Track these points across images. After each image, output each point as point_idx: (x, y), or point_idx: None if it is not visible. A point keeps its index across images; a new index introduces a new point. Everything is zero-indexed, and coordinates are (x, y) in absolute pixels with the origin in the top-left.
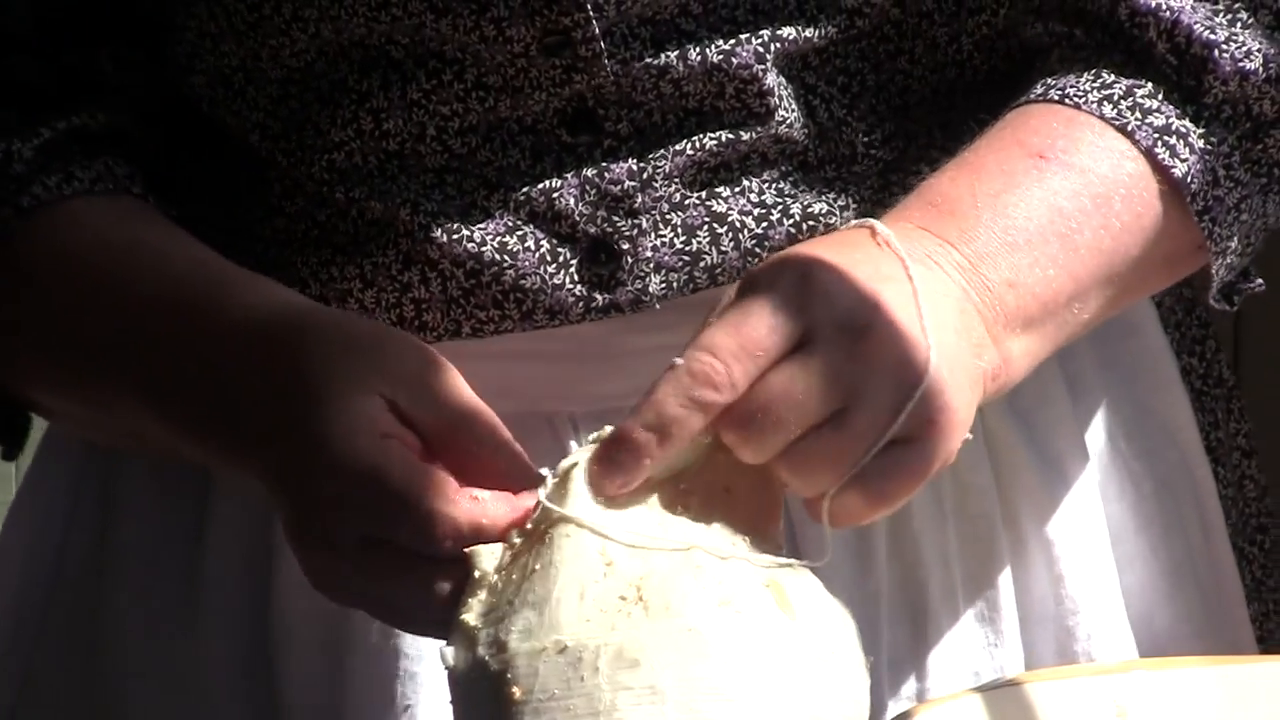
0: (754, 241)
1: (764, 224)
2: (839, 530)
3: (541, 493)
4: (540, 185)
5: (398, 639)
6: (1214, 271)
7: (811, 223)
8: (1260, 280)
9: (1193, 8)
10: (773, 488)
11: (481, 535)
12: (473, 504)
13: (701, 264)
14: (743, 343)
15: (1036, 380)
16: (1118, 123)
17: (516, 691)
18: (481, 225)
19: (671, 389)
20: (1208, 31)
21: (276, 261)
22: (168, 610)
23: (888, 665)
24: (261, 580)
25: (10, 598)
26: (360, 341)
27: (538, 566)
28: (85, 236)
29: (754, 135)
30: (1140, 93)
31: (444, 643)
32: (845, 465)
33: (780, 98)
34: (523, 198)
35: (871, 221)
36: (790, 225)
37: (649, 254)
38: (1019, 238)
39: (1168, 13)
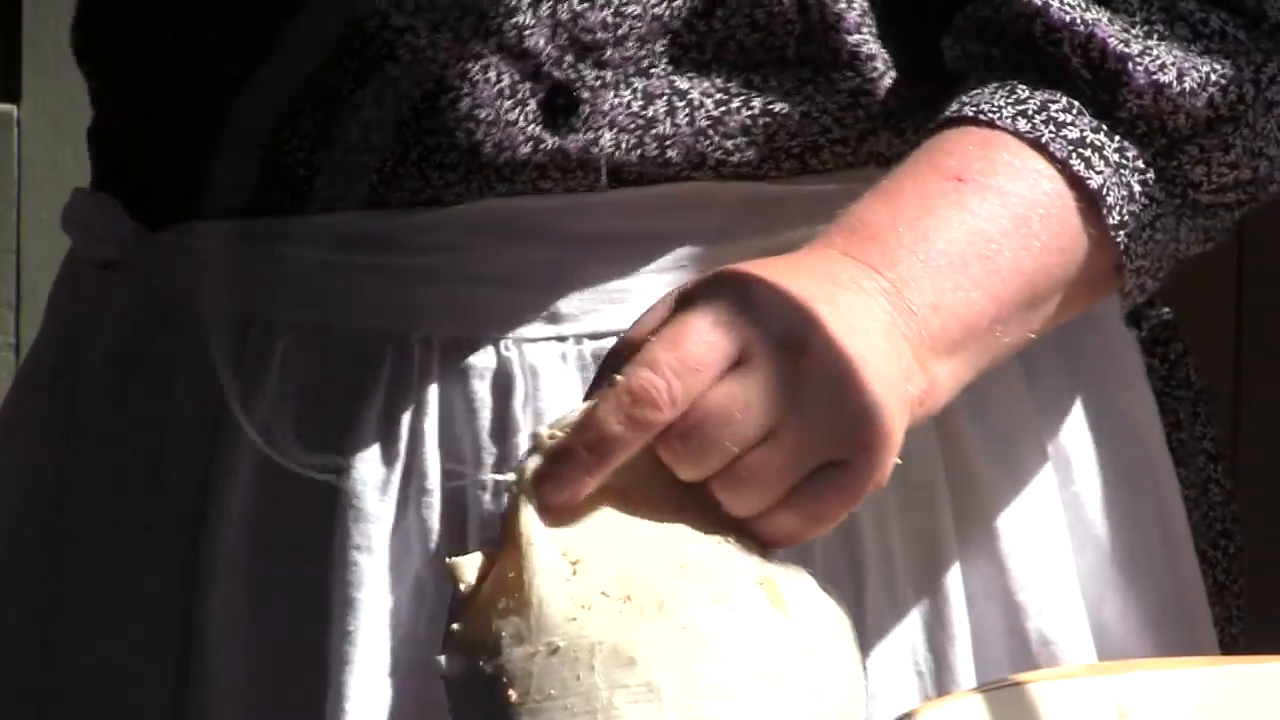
0: (709, 122)
1: (722, 108)
2: None
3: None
4: (514, 20)
5: (342, 570)
6: (1126, 290)
7: (767, 119)
8: (1168, 309)
9: (1109, 20)
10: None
11: None
12: None
13: (654, 131)
14: (682, 358)
15: None
16: (1031, 136)
17: (513, 694)
18: (447, 48)
19: (612, 407)
20: (1121, 45)
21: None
22: (124, 554)
23: None
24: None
25: None
26: None
27: (512, 574)
28: None
29: (729, 13)
30: (1054, 106)
31: (437, 653)
32: (777, 486)
33: None
34: (494, 27)
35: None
36: (748, 116)
37: (606, 109)
38: (940, 261)
39: (1082, 26)
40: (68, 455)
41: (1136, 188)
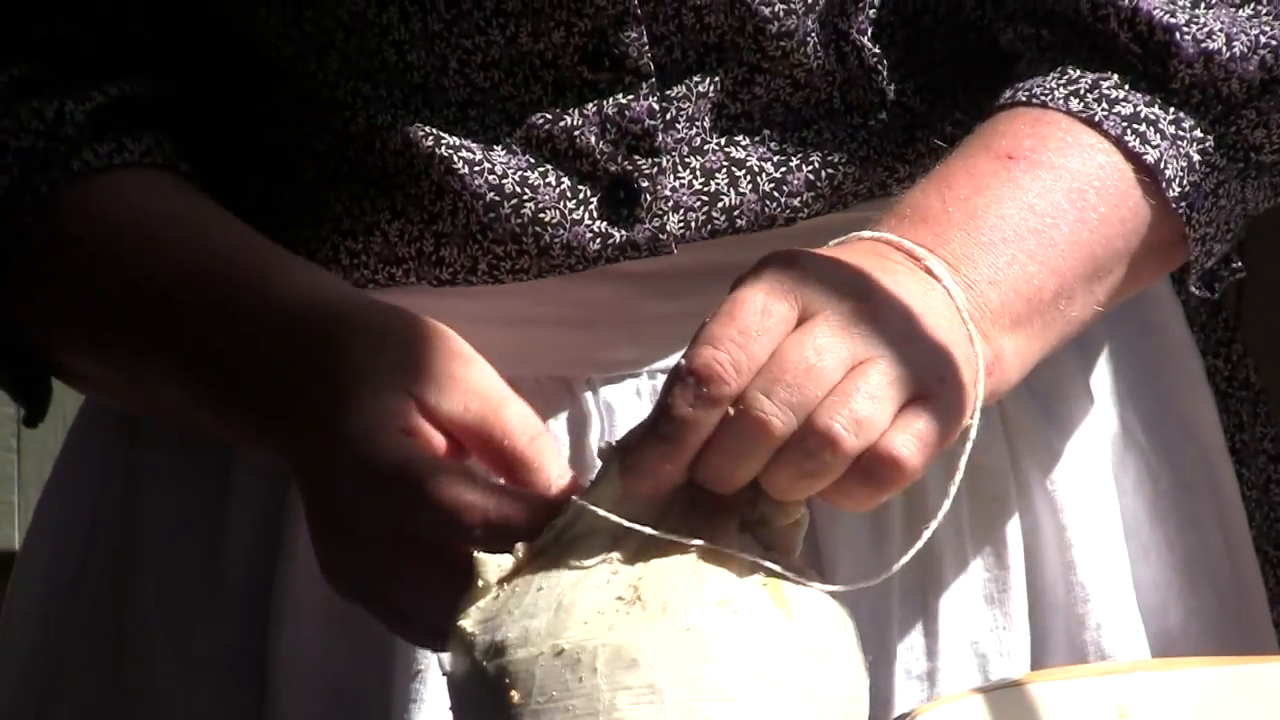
0: (772, 185)
1: (783, 169)
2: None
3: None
4: (561, 123)
5: None
6: (1193, 257)
7: (830, 170)
8: (1240, 264)
9: None
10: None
11: (509, 527)
12: (501, 495)
13: (720, 204)
14: (740, 327)
15: (1054, 368)
16: (1084, 115)
17: (515, 694)
18: (504, 160)
19: (679, 390)
20: (1168, 16)
21: (311, 202)
22: (188, 593)
23: (898, 638)
24: (272, 555)
25: (38, 590)
26: (393, 338)
27: (543, 585)
28: (130, 205)
29: (769, 78)
30: (1106, 84)
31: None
32: (878, 418)
33: (803, 41)
34: (544, 135)
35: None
36: (810, 172)
37: (668, 193)
38: (994, 236)
39: (1126, 0)
40: (133, 488)
41: (1196, 157)
